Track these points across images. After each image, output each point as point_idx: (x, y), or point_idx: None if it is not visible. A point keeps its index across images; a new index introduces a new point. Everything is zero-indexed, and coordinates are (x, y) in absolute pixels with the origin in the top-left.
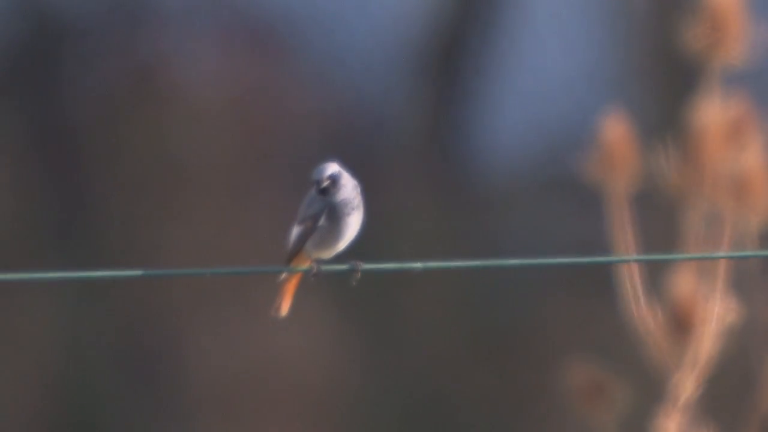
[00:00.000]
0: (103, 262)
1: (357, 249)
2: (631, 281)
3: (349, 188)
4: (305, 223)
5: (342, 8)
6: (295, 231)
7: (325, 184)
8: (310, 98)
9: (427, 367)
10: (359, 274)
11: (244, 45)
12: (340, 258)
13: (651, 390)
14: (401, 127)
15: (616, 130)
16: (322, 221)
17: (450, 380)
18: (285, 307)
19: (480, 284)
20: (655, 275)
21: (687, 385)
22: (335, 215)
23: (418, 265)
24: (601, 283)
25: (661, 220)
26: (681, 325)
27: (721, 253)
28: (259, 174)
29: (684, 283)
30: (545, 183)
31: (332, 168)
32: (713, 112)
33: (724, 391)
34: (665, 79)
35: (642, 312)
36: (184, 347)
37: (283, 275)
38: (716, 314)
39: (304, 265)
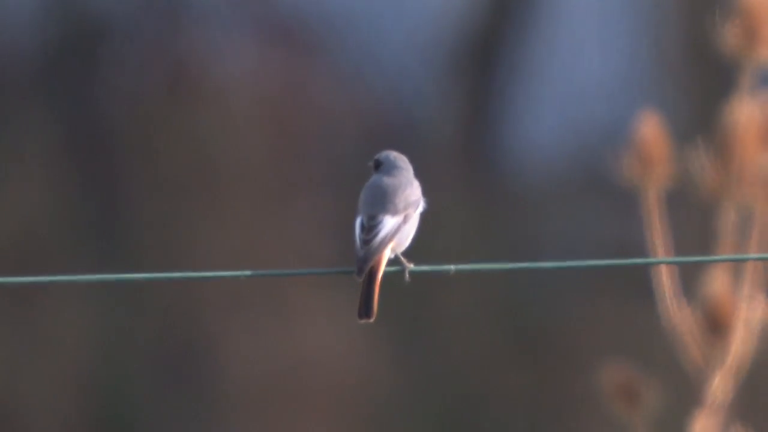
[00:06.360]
0: (138, 264)
1: None
2: (667, 282)
3: None
4: (407, 212)
5: (377, 7)
6: (392, 222)
7: None
8: (346, 97)
9: (461, 367)
10: (408, 276)
11: (279, 44)
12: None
13: (686, 391)
14: (436, 126)
15: (650, 130)
16: (422, 207)
17: (484, 381)
18: (375, 309)
19: (515, 285)
20: (691, 275)
21: (722, 386)
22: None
23: (451, 267)
24: (636, 283)
25: (695, 220)
26: (716, 325)
27: (753, 255)
28: (293, 173)
29: (718, 283)
30: (580, 183)
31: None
32: (747, 111)
33: (760, 392)
34: (699, 79)
35: (677, 312)
36: (219, 348)
37: (365, 274)
38: (751, 315)
39: (380, 264)
